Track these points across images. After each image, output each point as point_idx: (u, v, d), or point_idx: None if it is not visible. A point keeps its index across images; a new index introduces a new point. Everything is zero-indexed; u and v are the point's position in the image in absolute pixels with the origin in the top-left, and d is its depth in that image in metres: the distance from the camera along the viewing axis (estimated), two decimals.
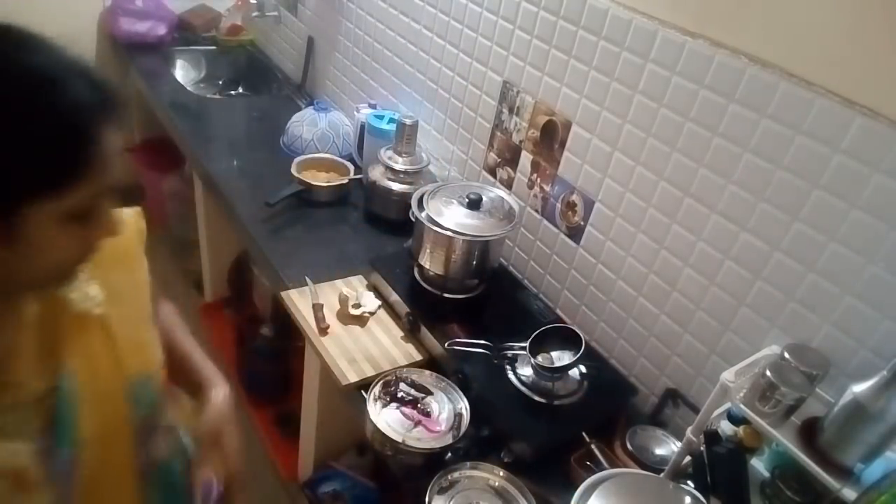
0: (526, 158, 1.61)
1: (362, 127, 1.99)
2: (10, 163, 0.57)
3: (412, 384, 1.30)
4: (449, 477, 1.16)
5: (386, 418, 1.21)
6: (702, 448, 1.06)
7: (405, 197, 1.65)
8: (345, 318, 1.47)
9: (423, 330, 1.42)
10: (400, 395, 1.27)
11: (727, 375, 1.00)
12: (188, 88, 2.48)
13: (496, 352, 1.34)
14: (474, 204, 1.46)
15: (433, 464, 1.17)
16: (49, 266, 0.67)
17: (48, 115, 0.59)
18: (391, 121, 1.91)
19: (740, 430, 1.07)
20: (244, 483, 0.90)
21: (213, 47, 2.74)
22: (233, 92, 2.78)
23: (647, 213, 1.33)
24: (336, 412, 1.64)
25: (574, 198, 1.49)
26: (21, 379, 0.71)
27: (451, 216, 1.43)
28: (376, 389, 1.26)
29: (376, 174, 1.81)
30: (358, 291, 1.54)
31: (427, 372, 1.33)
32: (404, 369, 1.34)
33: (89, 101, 0.61)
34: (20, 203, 0.59)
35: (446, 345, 1.34)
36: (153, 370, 0.85)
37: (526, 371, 1.33)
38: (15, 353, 0.71)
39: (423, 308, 1.47)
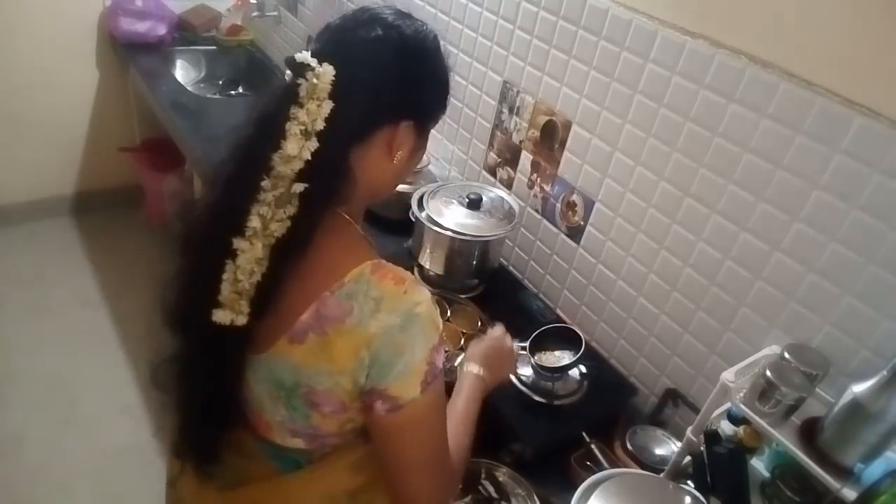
0: (526, 158, 1.61)
1: None
2: (443, 93, 0.86)
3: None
4: None
5: None
6: (702, 448, 1.06)
7: (405, 197, 1.65)
8: None
9: None
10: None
11: (727, 375, 1.00)
12: (188, 88, 2.47)
13: None
14: (474, 204, 1.46)
15: None
16: (400, 181, 0.89)
17: (447, 69, 0.86)
18: None
19: (740, 430, 1.07)
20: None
21: (213, 47, 2.74)
22: (233, 92, 2.78)
23: (647, 213, 1.33)
24: None
25: (574, 198, 1.49)
26: None
27: (451, 216, 1.43)
28: None
29: None
30: None
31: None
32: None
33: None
34: (434, 121, 0.87)
35: None
36: None
37: (526, 371, 1.32)
38: None
39: None
